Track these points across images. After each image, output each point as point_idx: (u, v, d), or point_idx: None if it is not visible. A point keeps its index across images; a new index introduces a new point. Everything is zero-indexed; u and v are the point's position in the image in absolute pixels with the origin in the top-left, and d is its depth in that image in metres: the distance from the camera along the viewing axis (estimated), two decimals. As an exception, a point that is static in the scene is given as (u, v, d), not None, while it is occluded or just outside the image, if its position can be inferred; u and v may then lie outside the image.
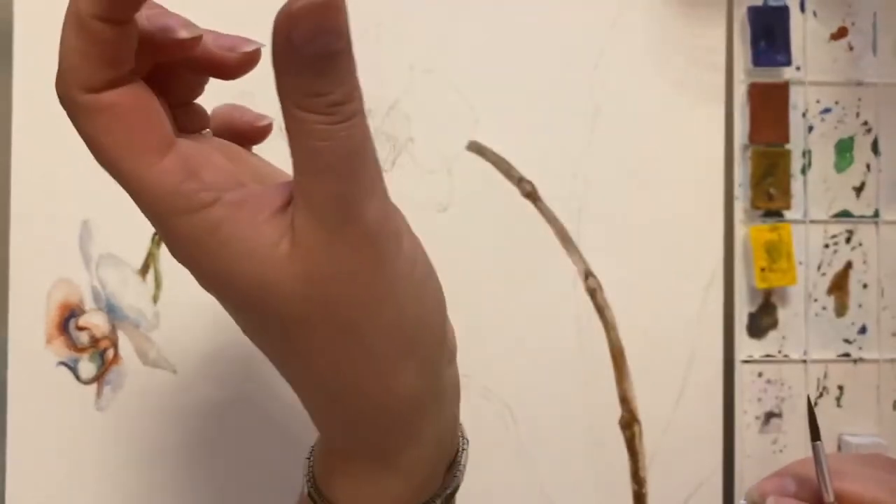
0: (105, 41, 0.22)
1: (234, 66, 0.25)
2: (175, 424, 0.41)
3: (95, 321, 0.41)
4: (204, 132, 0.28)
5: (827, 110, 0.44)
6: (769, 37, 0.43)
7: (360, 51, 0.46)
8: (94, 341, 0.41)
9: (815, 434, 0.31)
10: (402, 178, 0.42)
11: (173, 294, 0.41)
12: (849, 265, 0.44)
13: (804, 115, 0.44)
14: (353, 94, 0.22)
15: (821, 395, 0.43)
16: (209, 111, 0.29)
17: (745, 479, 0.42)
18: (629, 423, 0.42)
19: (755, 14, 0.43)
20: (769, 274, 0.42)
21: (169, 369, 0.41)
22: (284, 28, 0.20)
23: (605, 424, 0.42)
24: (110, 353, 0.41)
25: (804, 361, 0.43)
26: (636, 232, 0.42)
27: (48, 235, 0.41)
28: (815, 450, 0.30)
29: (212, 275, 0.24)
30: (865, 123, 0.44)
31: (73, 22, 0.22)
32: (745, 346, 0.43)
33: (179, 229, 0.23)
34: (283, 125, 0.22)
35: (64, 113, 0.42)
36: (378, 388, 0.24)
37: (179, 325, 0.41)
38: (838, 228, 0.44)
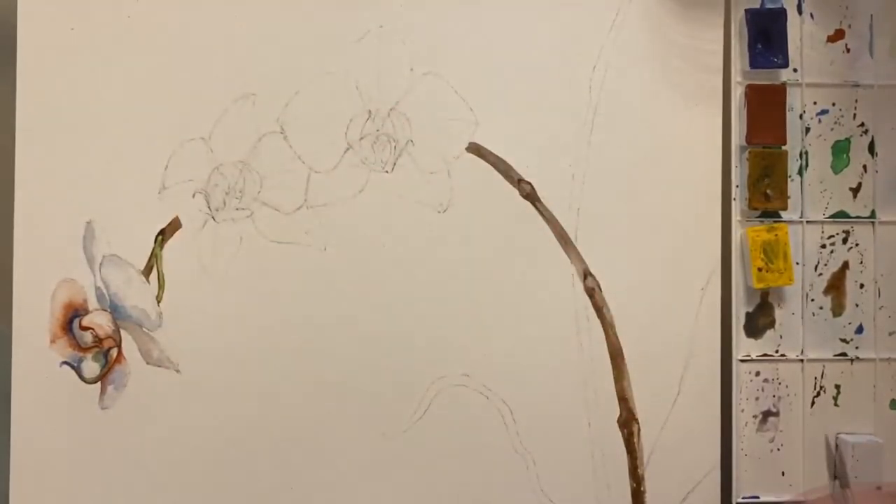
0: None
1: None
2: (178, 423, 0.41)
3: (99, 321, 0.42)
4: None
5: (823, 112, 0.44)
6: (766, 39, 0.43)
7: (360, 53, 0.46)
8: (98, 341, 0.42)
9: (844, 482, 0.33)
10: (402, 179, 0.42)
11: (176, 294, 0.42)
12: (845, 265, 0.44)
13: (801, 116, 0.44)
14: None
15: (818, 394, 0.43)
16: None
17: (743, 476, 0.42)
18: (627, 422, 0.43)
19: (752, 16, 0.43)
20: (766, 274, 0.42)
21: (172, 368, 0.42)
22: None
23: (604, 422, 0.42)
24: (114, 352, 0.42)
25: (801, 360, 0.43)
26: (634, 232, 0.43)
27: (52, 236, 0.42)
28: (844, 496, 0.31)
29: None
30: (862, 125, 0.44)
31: None
32: (743, 346, 0.43)
33: None
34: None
35: (65, 114, 0.43)
36: None
37: (182, 324, 0.42)
38: (835, 229, 0.44)
